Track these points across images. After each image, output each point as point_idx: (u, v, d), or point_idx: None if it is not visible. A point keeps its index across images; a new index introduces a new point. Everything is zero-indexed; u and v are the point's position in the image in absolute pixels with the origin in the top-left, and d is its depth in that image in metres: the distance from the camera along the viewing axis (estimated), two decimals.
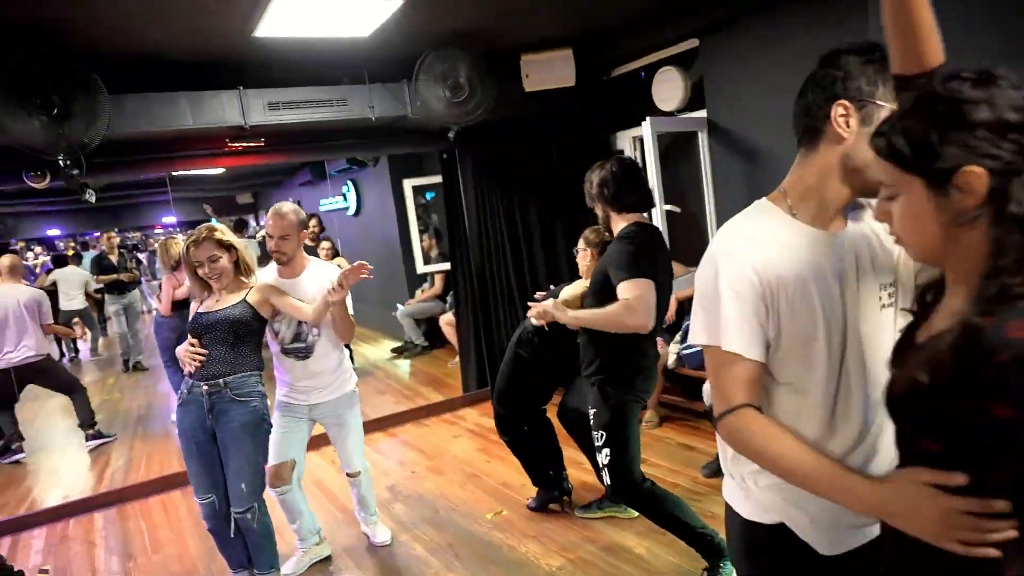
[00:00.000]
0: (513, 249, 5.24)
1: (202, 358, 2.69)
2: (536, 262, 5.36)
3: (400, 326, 7.68)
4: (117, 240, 8.32)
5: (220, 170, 8.02)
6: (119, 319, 7.82)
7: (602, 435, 2.74)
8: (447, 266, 7.03)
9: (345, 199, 9.52)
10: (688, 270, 4.33)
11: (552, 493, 3.48)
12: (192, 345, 2.73)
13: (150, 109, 3.77)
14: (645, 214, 2.75)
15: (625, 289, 2.47)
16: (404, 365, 7.13)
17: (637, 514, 3.23)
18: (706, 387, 3.53)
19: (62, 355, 9.50)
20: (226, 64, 3.93)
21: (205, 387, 2.69)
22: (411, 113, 4.42)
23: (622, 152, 5.09)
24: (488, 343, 5.30)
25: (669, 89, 4.49)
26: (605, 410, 2.72)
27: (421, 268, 7.07)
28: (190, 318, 2.81)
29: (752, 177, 4.15)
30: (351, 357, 6.75)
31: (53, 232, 14.80)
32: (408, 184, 6.91)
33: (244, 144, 4.15)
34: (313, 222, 6.78)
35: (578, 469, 3.63)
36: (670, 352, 4.32)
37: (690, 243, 4.52)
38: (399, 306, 7.68)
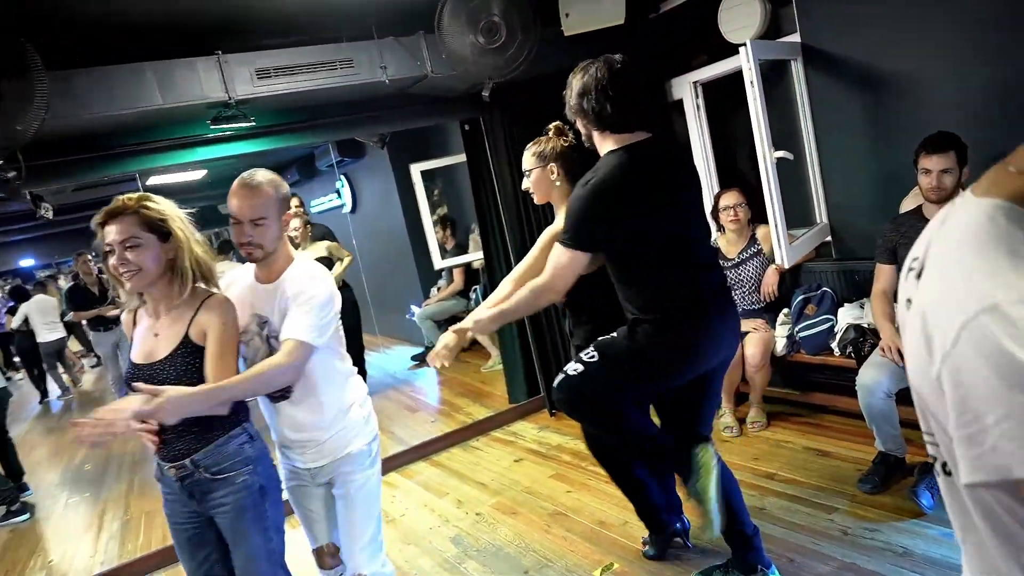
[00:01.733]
0: None
1: (153, 438, 1.79)
2: None
3: (417, 330, 6.87)
4: (95, 265, 7.34)
5: (199, 175, 7.17)
6: (110, 358, 6.57)
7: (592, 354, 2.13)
8: (472, 257, 6.23)
9: (339, 195, 8.67)
10: (791, 235, 3.52)
11: (668, 534, 2.69)
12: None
13: (105, 86, 2.91)
14: (640, 133, 2.06)
15: (552, 255, 2.04)
16: (430, 374, 6.31)
17: None
18: (866, 378, 2.73)
19: (44, 396, 8.62)
20: (199, 24, 3.07)
21: (172, 470, 1.84)
22: (431, 71, 3.57)
23: (680, 103, 4.27)
24: (538, 344, 4.49)
25: (742, 16, 3.67)
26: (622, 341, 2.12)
27: (440, 263, 6.24)
28: (127, 364, 1.91)
29: (865, 111, 3.35)
30: (363, 372, 5.90)
31: (27, 263, 13.88)
32: (416, 169, 6.07)
33: (230, 126, 3.30)
34: (296, 202, 5.62)
35: None
36: (777, 336, 3.52)
37: (790, 199, 3.72)
38: (414, 308, 6.86)
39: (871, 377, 2.69)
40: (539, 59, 3.62)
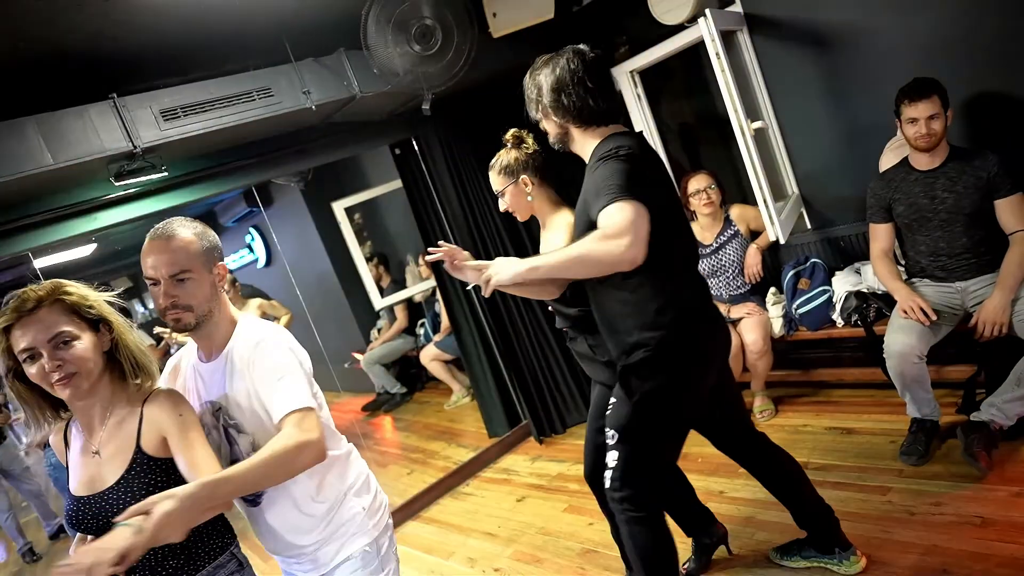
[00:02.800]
0: (516, 247, 4.12)
1: None
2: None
3: (363, 378, 6.39)
4: None
5: (89, 250, 6.43)
6: None
7: (613, 435, 1.93)
8: (413, 291, 5.86)
9: (251, 250, 8.06)
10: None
11: (706, 540, 2.46)
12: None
13: None
14: (620, 126, 1.93)
15: (606, 215, 1.65)
16: (388, 423, 5.85)
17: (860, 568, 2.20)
18: (896, 343, 2.55)
19: None
20: (86, 65, 2.61)
21: None
22: (360, 91, 3.22)
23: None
24: (512, 368, 4.16)
25: None
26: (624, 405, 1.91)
27: (380, 302, 5.82)
28: (67, 498, 1.47)
29: (817, 72, 3.25)
30: None
31: None
32: (339, 207, 5.65)
33: (139, 180, 2.82)
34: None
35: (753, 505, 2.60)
36: (772, 317, 3.35)
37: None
38: (358, 356, 6.38)
39: (901, 342, 2.52)
40: (469, 66, 3.34)
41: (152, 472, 1.42)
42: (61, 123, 2.55)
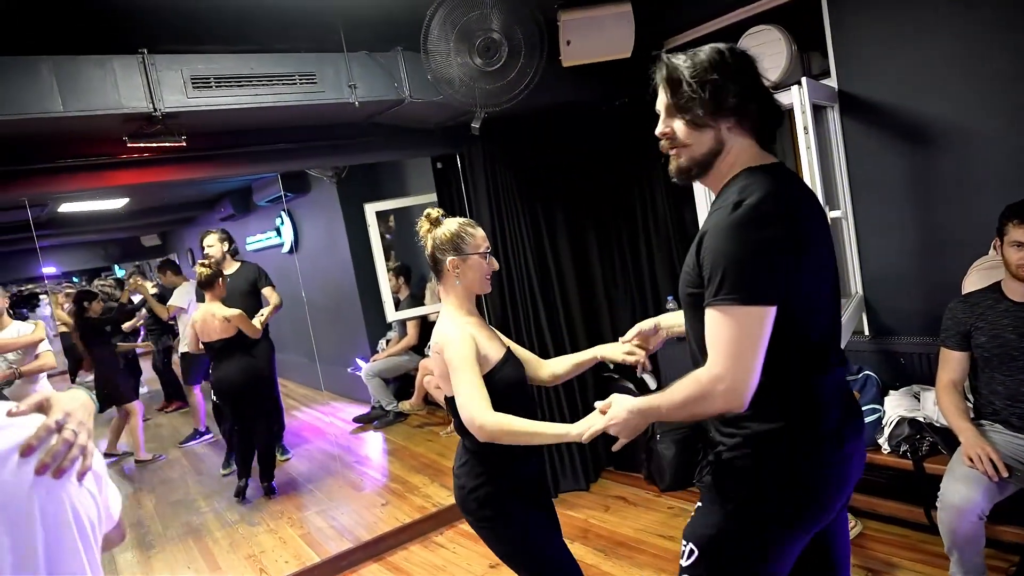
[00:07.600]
0: (543, 285, 3.83)
1: None
2: (571, 300, 3.99)
3: (362, 388, 6.12)
4: None
5: (120, 203, 6.30)
6: None
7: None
8: (430, 310, 5.59)
9: (279, 234, 7.89)
10: None
11: None
12: None
13: None
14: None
15: (715, 326, 1.28)
16: (376, 440, 5.55)
17: None
18: (955, 495, 2.20)
19: None
20: (119, 11, 2.40)
21: None
22: (410, 95, 2.99)
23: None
24: None
25: (763, 57, 3.25)
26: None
27: (393, 315, 5.55)
28: None
29: (907, 167, 2.94)
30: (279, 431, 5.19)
31: None
32: (371, 209, 5.42)
33: (155, 144, 2.60)
34: (211, 239, 4.55)
35: None
36: None
37: None
38: (360, 363, 6.12)
39: (962, 495, 2.17)
40: (532, 90, 3.08)
41: None
42: (80, 70, 2.34)
